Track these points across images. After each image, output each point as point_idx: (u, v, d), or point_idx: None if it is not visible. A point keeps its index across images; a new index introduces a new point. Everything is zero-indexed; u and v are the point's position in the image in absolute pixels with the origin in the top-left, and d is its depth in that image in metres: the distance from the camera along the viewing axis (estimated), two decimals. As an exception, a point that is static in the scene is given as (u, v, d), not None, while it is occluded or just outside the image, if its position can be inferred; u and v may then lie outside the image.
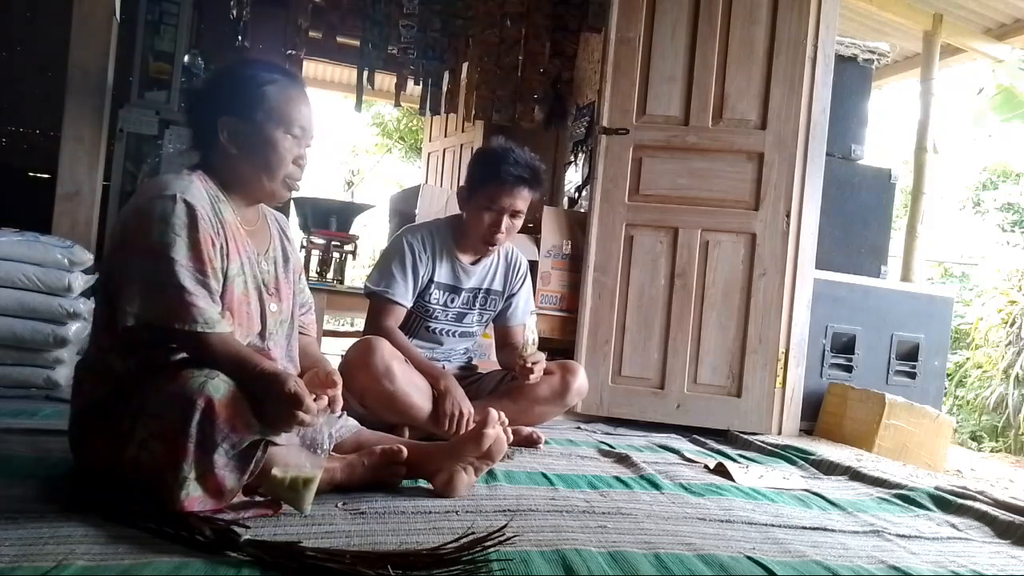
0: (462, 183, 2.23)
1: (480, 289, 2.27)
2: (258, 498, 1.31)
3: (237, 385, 1.26)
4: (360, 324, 2.98)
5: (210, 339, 1.28)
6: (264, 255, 1.50)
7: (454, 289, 2.22)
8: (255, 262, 1.46)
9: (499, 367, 2.39)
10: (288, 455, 1.34)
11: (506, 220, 2.11)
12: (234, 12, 4.54)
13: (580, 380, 2.22)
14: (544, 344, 3.20)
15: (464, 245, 2.23)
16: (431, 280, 2.18)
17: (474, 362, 2.45)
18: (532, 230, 3.13)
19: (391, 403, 1.95)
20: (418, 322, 2.24)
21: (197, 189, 1.36)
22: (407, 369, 2.00)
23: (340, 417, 1.65)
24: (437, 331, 2.26)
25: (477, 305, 2.28)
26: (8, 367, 2.34)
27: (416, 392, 1.99)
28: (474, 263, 2.25)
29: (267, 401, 1.26)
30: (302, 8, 4.79)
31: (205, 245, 1.31)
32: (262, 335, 1.46)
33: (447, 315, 2.24)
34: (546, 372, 2.18)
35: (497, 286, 2.31)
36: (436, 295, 2.20)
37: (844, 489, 2.00)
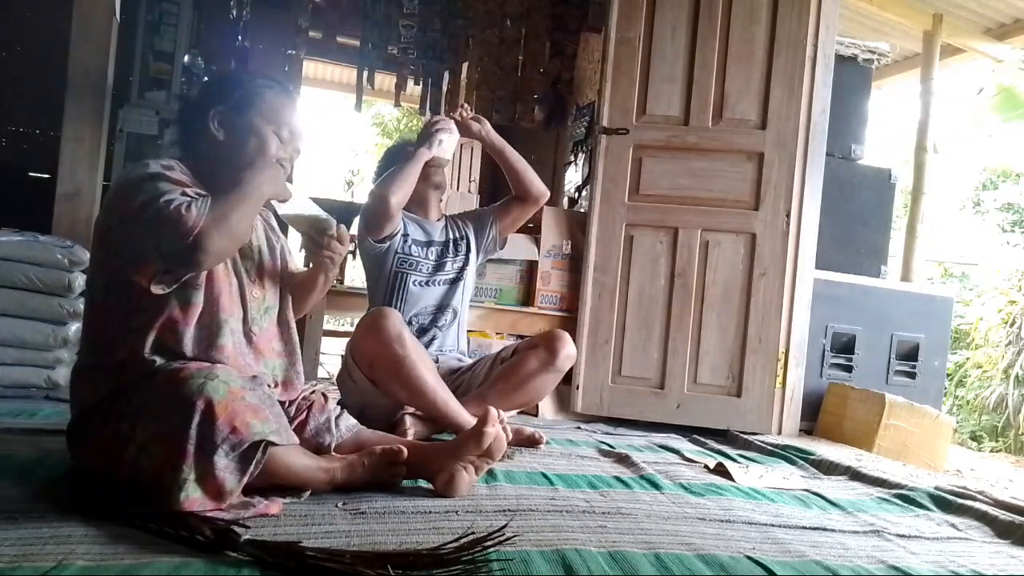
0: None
1: (448, 240, 2.49)
2: (258, 498, 1.31)
3: (251, 197, 1.34)
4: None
5: (214, 214, 1.27)
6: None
7: (428, 243, 2.45)
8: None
9: (488, 357, 2.40)
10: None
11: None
12: (234, 12, 4.54)
13: (567, 344, 2.25)
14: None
15: (418, 212, 2.49)
16: (407, 235, 2.39)
17: (467, 359, 2.46)
18: (532, 230, 3.13)
19: (399, 370, 1.98)
20: (404, 280, 2.37)
21: (174, 163, 1.40)
22: (417, 343, 2.10)
23: (340, 417, 1.65)
24: (421, 283, 2.39)
25: (450, 251, 2.47)
26: (8, 367, 2.34)
27: (424, 366, 2.02)
28: (437, 220, 2.52)
29: (263, 180, 1.38)
30: (302, 8, 4.80)
31: (183, 184, 1.34)
32: (245, 320, 1.47)
33: (428, 266, 2.42)
34: (531, 346, 2.27)
35: (459, 230, 2.53)
36: (416, 250, 2.41)
37: (844, 489, 2.00)
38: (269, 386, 1.50)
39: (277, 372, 1.55)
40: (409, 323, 2.32)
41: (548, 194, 2.56)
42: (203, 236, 1.25)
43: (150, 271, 1.29)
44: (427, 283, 2.41)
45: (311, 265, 1.63)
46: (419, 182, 2.39)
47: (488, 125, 2.44)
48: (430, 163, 2.39)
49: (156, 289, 1.30)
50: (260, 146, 1.46)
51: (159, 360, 1.33)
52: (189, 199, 1.29)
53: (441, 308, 2.43)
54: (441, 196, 2.54)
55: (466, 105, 2.48)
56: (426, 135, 2.36)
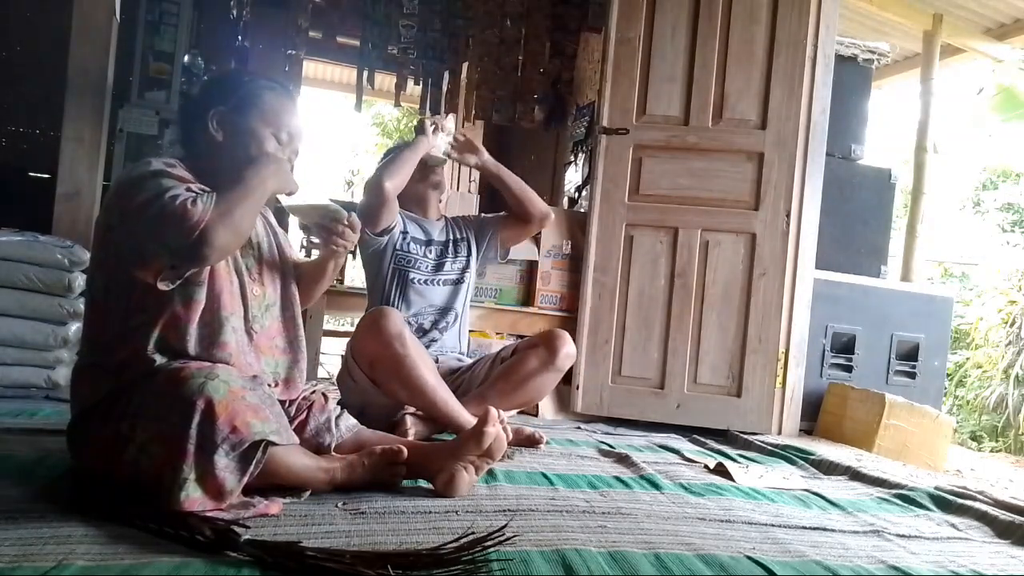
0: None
1: (448, 240, 2.50)
2: (258, 498, 1.31)
3: (255, 192, 1.35)
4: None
5: (219, 209, 1.28)
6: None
7: (428, 242, 2.46)
8: None
9: (488, 356, 2.40)
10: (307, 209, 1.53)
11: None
12: (234, 12, 4.54)
13: (567, 343, 2.25)
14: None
15: (417, 211, 2.49)
16: (406, 232, 2.40)
17: (467, 359, 2.46)
18: (532, 230, 3.13)
19: (400, 369, 1.97)
20: (404, 278, 2.37)
21: (175, 162, 1.41)
22: (417, 342, 2.09)
23: (341, 417, 1.65)
24: (420, 282, 2.39)
25: (450, 252, 2.48)
26: (8, 367, 2.34)
27: (424, 366, 2.02)
28: (436, 220, 2.53)
29: (267, 175, 1.38)
30: (302, 8, 4.79)
31: (186, 181, 1.35)
32: (245, 318, 1.47)
33: (428, 265, 2.42)
34: (531, 345, 2.27)
35: (460, 232, 2.54)
36: (415, 247, 2.41)
37: (844, 489, 2.00)
38: (269, 385, 1.50)
39: (279, 369, 1.55)
40: (409, 323, 2.32)
41: (551, 215, 2.56)
42: (209, 231, 1.26)
43: (156, 267, 1.29)
44: (429, 282, 2.41)
45: (318, 254, 1.65)
46: (418, 182, 2.41)
47: (485, 153, 2.46)
48: (428, 162, 2.40)
49: (162, 285, 1.30)
50: (258, 148, 1.46)
51: (160, 359, 1.33)
52: (194, 194, 1.29)
53: (444, 310, 2.43)
54: (440, 196, 2.54)
55: (464, 133, 2.51)
56: (422, 127, 2.38)
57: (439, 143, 2.40)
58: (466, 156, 2.44)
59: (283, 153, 1.50)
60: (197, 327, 1.37)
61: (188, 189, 1.31)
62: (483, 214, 2.66)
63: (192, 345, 1.36)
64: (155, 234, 1.28)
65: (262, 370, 1.49)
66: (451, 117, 2.47)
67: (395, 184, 2.27)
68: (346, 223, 1.54)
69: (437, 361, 2.31)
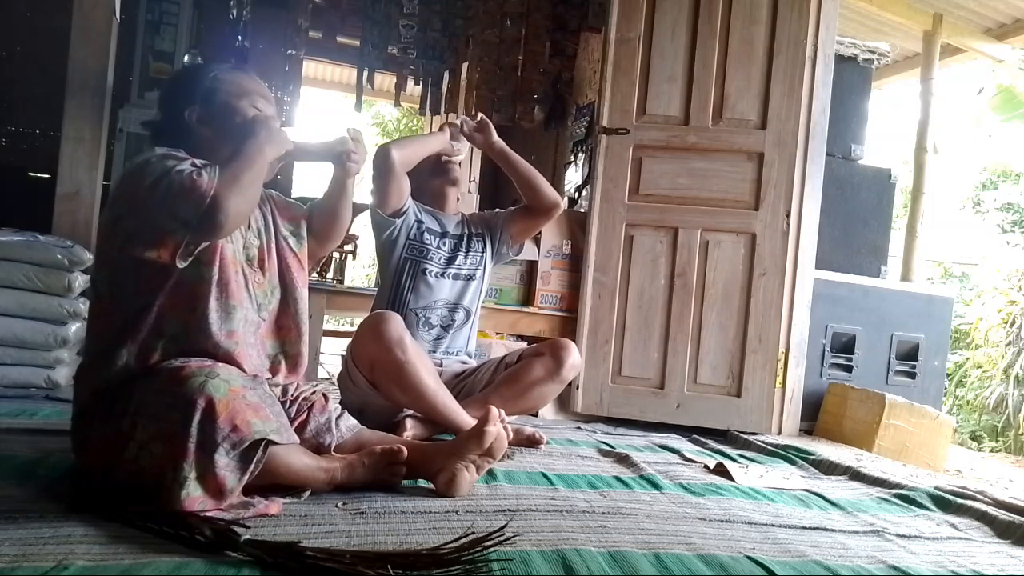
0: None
1: (463, 234, 2.47)
2: (258, 498, 1.31)
3: (258, 156, 1.38)
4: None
5: (225, 177, 1.31)
6: (249, 228, 1.53)
7: (443, 234, 2.42)
8: (242, 234, 1.50)
9: (493, 361, 2.40)
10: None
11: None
12: (234, 12, 4.53)
13: (572, 354, 2.24)
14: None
15: (434, 206, 2.46)
16: (421, 222, 2.38)
17: (472, 361, 2.45)
18: (532, 230, 3.13)
19: (400, 375, 1.96)
20: (416, 268, 2.34)
21: (177, 152, 1.42)
22: (418, 347, 2.07)
23: (341, 417, 1.65)
24: (433, 274, 2.35)
25: (463, 246, 2.44)
26: (8, 367, 2.34)
27: (424, 370, 2.01)
28: (453, 215, 2.51)
29: (262, 141, 1.41)
30: (302, 8, 4.79)
31: (189, 158, 1.37)
32: (250, 308, 1.48)
33: (441, 257, 2.38)
34: (537, 353, 2.26)
35: (475, 228, 2.51)
36: (429, 238, 2.38)
37: (844, 489, 2.00)
38: (270, 377, 1.51)
39: (287, 347, 1.58)
40: (417, 316, 2.31)
41: (561, 204, 2.49)
42: (220, 197, 1.28)
43: (172, 244, 1.31)
44: (440, 275, 2.36)
45: (333, 176, 1.69)
46: (437, 177, 2.42)
47: (493, 133, 2.39)
48: (447, 155, 2.40)
49: (180, 263, 1.32)
50: (243, 119, 1.49)
51: (170, 346, 1.34)
52: (199, 167, 1.32)
53: (454, 306, 2.38)
54: (458, 193, 2.52)
55: (480, 116, 2.47)
56: (455, 128, 2.39)
57: (461, 146, 2.41)
58: (475, 135, 2.38)
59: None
60: (211, 311, 1.38)
61: (193, 164, 1.33)
62: (497, 209, 2.64)
63: (207, 328, 1.37)
64: (168, 209, 1.29)
65: (264, 364, 1.50)
66: (464, 145, 2.44)
67: (402, 156, 2.24)
68: (352, 145, 1.59)
69: (441, 365, 2.30)
